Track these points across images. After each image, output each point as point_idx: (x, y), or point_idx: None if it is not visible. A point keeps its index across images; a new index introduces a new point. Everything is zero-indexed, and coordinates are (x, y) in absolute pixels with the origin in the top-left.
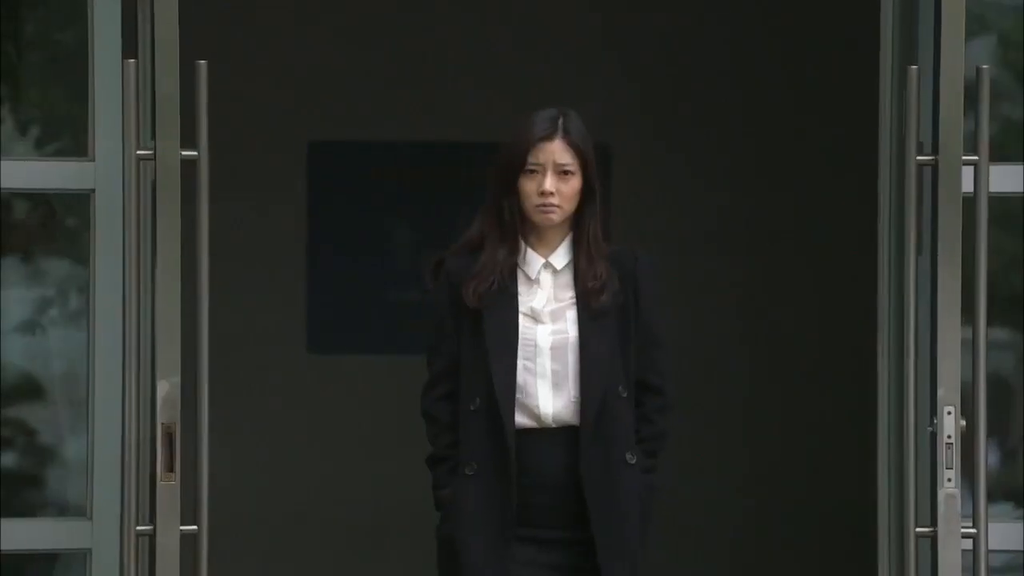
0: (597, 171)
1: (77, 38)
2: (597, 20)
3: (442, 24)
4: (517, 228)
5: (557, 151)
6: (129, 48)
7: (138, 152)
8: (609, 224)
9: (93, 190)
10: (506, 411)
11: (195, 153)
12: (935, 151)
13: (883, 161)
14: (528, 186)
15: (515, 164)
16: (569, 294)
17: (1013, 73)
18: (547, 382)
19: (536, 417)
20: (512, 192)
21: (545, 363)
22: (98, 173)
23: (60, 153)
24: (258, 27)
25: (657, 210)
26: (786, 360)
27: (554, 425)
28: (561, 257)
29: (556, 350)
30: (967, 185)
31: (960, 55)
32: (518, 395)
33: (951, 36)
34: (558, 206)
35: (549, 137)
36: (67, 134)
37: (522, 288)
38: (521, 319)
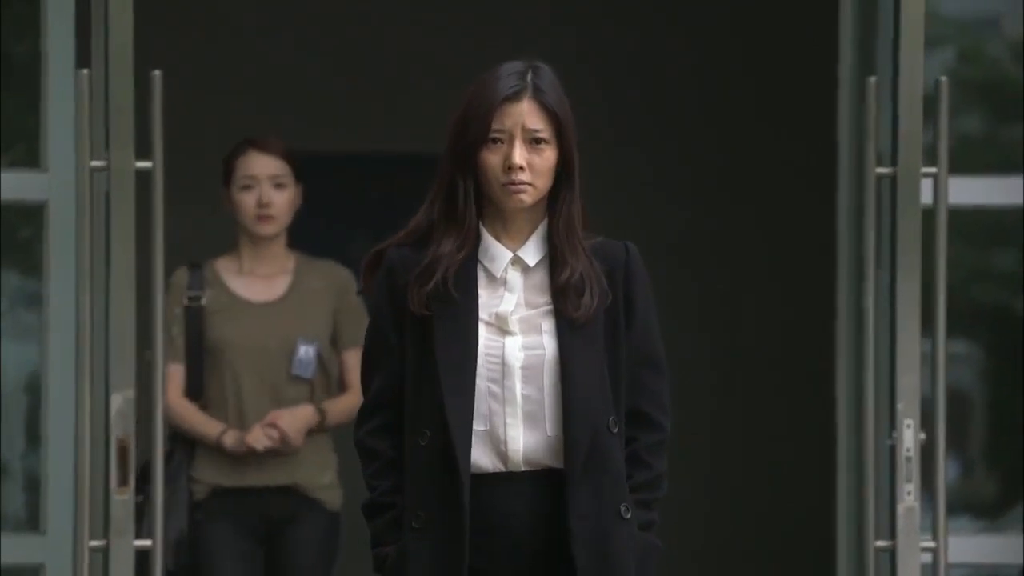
0: (576, 142)
1: (30, 48)
2: (560, 31)
3: (401, 35)
4: (477, 214)
5: (527, 114)
6: (83, 58)
7: (92, 163)
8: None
9: (46, 201)
10: (461, 447)
11: (150, 164)
12: (894, 163)
13: (842, 173)
14: (491, 159)
15: (474, 132)
16: (544, 298)
17: (970, 86)
18: (517, 411)
19: (503, 457)
20: (470, 168)
21: (515, 387)
22: (51, 184)
23: (13, 164)
24: (214, 38)
25: (618, 221)
26: (747, 372)
27: (524, 468)
28: (533, 251)
29: (529, 370)
30: (926, 197)
31: (919, 67)
32: (480, 427)
33: (910, 48)
34: (530, 184)
35: (516, 97)
36: (20, 145)
37: (484, 290)
38: (483, 329)
